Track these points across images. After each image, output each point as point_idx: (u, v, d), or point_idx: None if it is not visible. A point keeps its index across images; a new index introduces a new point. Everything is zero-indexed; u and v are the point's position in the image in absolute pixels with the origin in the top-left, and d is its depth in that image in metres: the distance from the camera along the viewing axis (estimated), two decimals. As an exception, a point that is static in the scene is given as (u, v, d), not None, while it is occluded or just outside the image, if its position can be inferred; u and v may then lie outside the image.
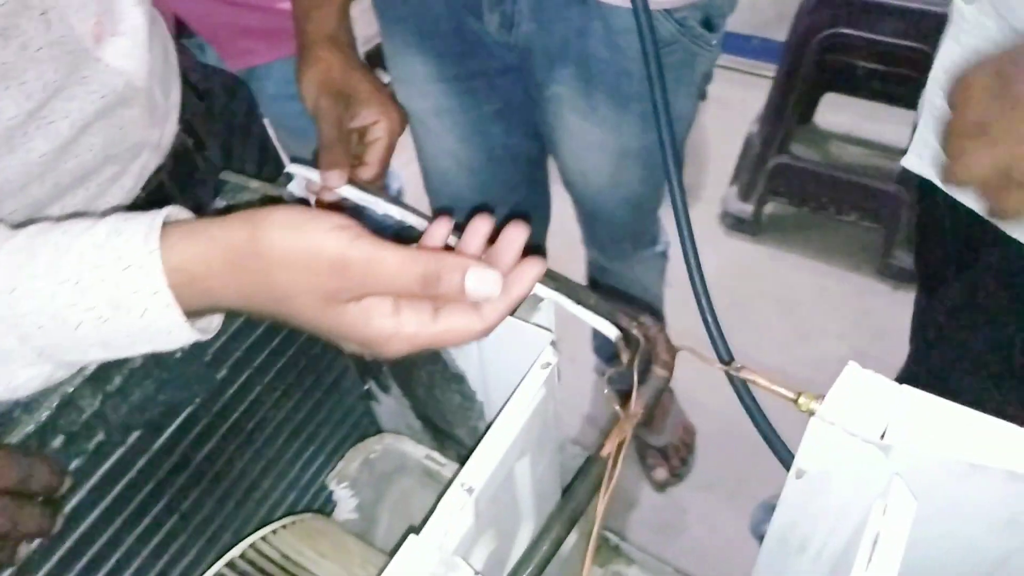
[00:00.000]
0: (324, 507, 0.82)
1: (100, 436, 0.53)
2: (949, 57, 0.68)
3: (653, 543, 1.47)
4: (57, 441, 0.51)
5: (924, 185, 0.75)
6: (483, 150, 1.06)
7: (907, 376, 0.89)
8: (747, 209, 1.93)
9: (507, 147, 1.07)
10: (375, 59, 1.04)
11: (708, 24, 0.91)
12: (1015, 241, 0.67)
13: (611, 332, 0.47)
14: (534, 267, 0.41)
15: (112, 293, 0.39)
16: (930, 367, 0.84)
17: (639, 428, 1.55)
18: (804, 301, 1.83)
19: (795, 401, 0.46)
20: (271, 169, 0.88)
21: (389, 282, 0.39)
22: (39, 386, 0.44)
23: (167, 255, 0.39)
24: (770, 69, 1.98)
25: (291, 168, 0.68)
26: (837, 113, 2.13)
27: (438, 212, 1.16)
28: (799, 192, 1.91)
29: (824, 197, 1.86)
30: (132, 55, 0.59)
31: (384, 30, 1.01)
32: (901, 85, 1.79)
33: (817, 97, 2.07)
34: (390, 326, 0.40)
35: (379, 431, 0.85)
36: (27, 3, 0.48)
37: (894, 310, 1.77)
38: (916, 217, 0.99)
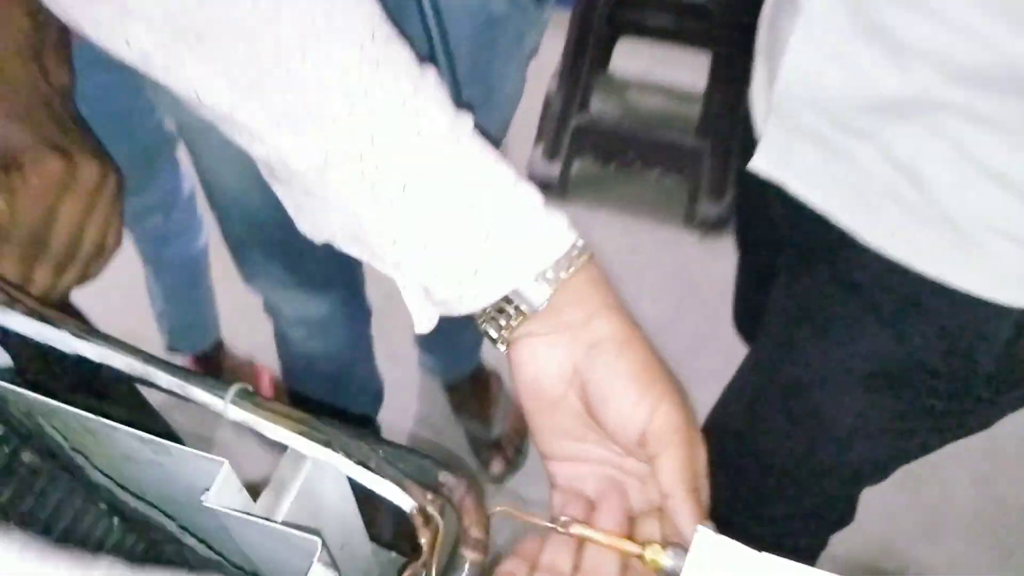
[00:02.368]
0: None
1: None
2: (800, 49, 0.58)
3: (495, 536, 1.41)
4: None
5: (755, 184, 0.67)
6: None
7: (755, 387, 0.81)
8: (554, 169, 1.87)
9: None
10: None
11: None
12: (858, 247, 0.61)
13: (405, 504, 0.35)
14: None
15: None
16: (784, 382, 0.75)
17: (469, 422, 1.43)
18: (618, 259, 1.81)
19: (641, 557, 0.37)
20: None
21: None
22: None
23: None
24: (562, 16, 1.90)
25: None
26: (632, 59, 2.10)
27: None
28: (604, 150, 1.87)
29: (628, 153, 1.83)
30: None
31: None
32: (689, 31, 1.78)
33: (611, 45, 2.03)
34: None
35: None
36: None
37: (704, 260, 1.79)
38: (739, 209, 0.93)
